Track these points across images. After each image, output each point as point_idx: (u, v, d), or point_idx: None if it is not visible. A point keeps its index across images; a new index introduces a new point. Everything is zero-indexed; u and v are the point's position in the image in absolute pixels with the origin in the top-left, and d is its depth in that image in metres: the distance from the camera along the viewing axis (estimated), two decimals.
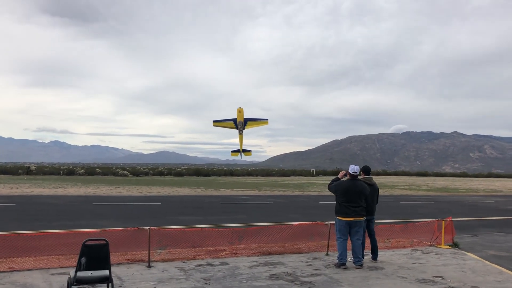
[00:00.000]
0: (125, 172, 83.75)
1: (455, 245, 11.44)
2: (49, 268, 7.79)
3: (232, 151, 16.76)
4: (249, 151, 16.67)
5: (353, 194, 8.38)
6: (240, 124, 14.79)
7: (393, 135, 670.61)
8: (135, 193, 31.67)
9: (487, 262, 9.37)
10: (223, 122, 15.06)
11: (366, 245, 9.14)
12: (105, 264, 5.47)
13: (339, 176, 8.90)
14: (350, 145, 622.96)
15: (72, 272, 5.42)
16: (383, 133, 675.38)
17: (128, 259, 8.73)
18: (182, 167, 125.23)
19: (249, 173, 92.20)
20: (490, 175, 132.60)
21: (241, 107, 14.96)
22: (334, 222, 8.76)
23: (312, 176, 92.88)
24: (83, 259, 5.33)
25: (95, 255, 5.40)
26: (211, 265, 8.48)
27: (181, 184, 46.10)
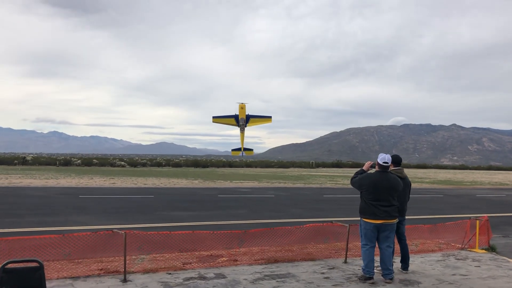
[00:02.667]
0: (123, 163, 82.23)
1: (491, 249, 9.74)
2: None
3: (232, 150, 15.78)
4: (251, 150, 15.69)
5: (383, 190, 6.61)
6: (241, 121, 13.75)
7: (391, 127, 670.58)
8: (129, 184, 30.00)
9: None
10: (223, 119, 13.99)
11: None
12: None
13: (364, 167, 7.13)
14: (349, 137, 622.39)
15: None
16: (382, 125, 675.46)
17: (101, 270, 7.00)
18: (181, 158, 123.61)
19: (248, 165, 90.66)
20: (490, 168, 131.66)
21: (243, 103, 13.90)
22: (359, 224, 6.96)
23: (312, 168, 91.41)
24: None
25: (23, 284, 3.65)
26: (204, 278, 6.76)
27: (179, 175, 44.43)
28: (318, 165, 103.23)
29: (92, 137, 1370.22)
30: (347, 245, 8.15)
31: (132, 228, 11.44)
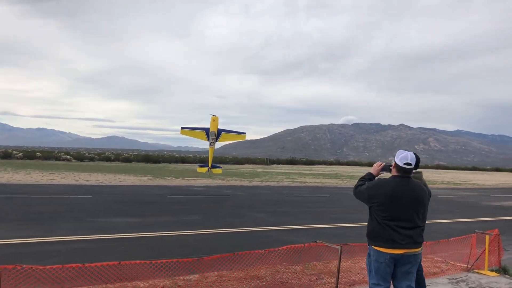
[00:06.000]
0: (68, 156, 77.09)
1: (503, 270, 7.93)
2: None
3: (198, 166, 14.64)
4: (219, 167, 14.93)
5: (405, 204, 4.41)
6: (212, 134, 12.66)
7: (343, 126, 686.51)
8: (69, 181, 26.75)
9: None
10: (192, 131, 12.98)
11: None
12: None
13: (372, 171, 4.91)
14: (302, 134, 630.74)
15: None
16: (334, 124, 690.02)
17: None
18: (131, 153, 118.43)
19: (202, 161, 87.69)
20: (438, 167, 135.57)
21: (216, 115, 12.68)
22: (367, 253, 4.73)
23: (267, 165, 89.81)
24: None
25: None
26: None
27: (127, 171, 41.18)
28: (272, 162, 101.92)
29: (38, 129, 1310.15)
30: (338, 276, 5.96)
31: (49, 242, 8.81)
